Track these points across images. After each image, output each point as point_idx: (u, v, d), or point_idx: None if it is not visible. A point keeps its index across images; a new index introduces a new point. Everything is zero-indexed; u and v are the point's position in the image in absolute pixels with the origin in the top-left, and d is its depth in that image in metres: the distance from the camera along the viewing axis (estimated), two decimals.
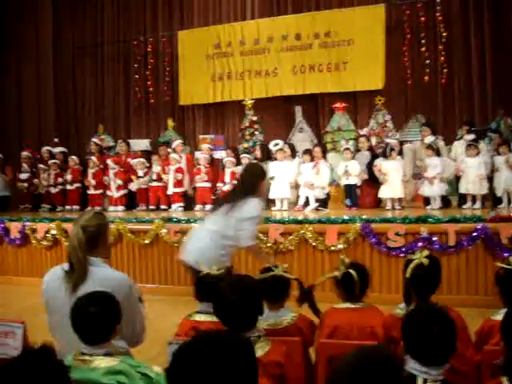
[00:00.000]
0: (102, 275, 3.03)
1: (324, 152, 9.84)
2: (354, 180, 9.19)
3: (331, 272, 3.72)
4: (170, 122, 12.70)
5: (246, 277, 3.04)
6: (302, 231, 7.20)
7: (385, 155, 9.23)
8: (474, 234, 6.65)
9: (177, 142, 10.83)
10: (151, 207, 10.42)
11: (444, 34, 11.03)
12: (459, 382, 3.01)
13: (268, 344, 2.76)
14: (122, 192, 10.81)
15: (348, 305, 3.55)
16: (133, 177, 10.75)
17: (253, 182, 5.61)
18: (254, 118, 11.39)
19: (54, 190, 11.35)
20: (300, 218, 7.63)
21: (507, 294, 3.35)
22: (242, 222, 5.39)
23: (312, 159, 9.38)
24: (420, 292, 3.42)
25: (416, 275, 3.33)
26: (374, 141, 10.36)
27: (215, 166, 10.71)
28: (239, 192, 5.65)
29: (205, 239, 5.50)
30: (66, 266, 3.08)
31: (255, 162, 9.37)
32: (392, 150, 9.09)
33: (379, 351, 1.63)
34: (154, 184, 10.49)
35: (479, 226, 6.68)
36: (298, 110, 11.72)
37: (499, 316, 3.21)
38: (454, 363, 3.25)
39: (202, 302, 3.57)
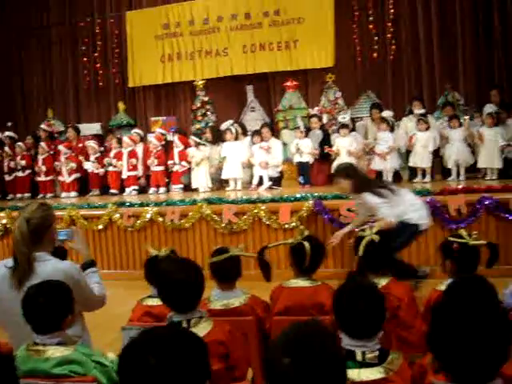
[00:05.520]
0: (49, 270, 2.95)
1: (274, 130, 9.94)
2: (307, 158, 9.25)
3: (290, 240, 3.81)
4: (121, 105, 12.53)
5: (188, 259, 3.05)
6: (255, 210, 7.24)
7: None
8: None
9: (133, 132, 10.73)
10: (112, 191, 10.31)
11: (392, 11, 11.13)
12: (407, 351, 3.09)
13: (210, 324, 2.78)
14: (75, 176, 10.65)
15: (298, 282, 3.60)
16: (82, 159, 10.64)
17: None
18: (206, 99, 11.36)
19: (8, 178, 11.11)
20: (253, 197, 7.68)
21: (460, 265, 3.43)
22: None
23: (262, 139, 9.44)
24: (373, 267, 3.50)
25: (368, 251, 3.41)
26: (325, 118, 10.45)
27: (168, 148, 10.63)
28: None
29: None
30: (9, 261, 3.00)
31: None
32: (342, 127, 9.19)
33: (312, 324, 1.65)
34: (110, 169, 10.37)
35: (428, 199, 6.83)
36: (250, 90, 11.70)
37: (444, 286, 3.32)
38: (403, 334, 3.37)
39: (152, 285, 3.58)
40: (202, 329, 2.74)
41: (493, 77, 10.58)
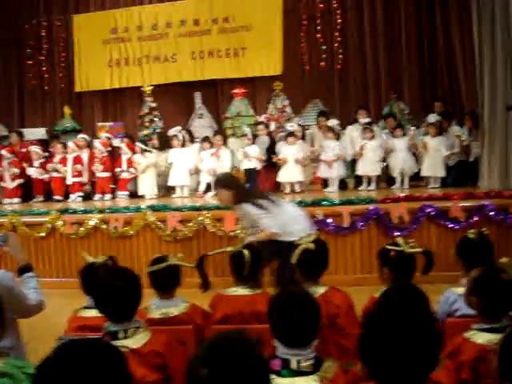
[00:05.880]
0: None
1: (224, 138, 9.90)
2: (254, 164, 9.27)
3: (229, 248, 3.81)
4: (67, 110, 12.27)
5: (125, 267, 3.01)
6: (200, 218, 7.20)
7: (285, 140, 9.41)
8: (367, 214, 6.90)
9: (79, 137, 10.55)
10: (56, 198, 10.07)
11: (339, 21, 11.30)
12: (346, 358, 3.12)
13: (148, 335, 2.74)
14: (18, 182, 10.38)
15: (237, 290, 3.60)
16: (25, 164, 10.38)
17: None
18: (153, 105, 11.28)
19: None
20: (198, 204, 7.65)
21: (397, 273, 3.48)
22: None
23: (212, 146, 9.41)
24: (308, 276, 3.52)
25: (302, 260, 3.44)
26: (273, 126, 10.50)
27: (116, 154, 10.48)
28: None
29: None
30: None
31: None
32: (290, 134, 9.24)
33: (234, 334, 1.65)
34: (55, 175, 10.15)
35: (371, 206, 6.94)
36: (198, 96, 11.68)
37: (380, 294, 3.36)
38: (342, 341, 3.40)
39: (88, 295, 3.51)
40: (139, 339, 2.70)
41: (436, 87, 10.85)
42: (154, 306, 3.49)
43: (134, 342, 2.67)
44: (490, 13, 7.90)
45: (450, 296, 3.42)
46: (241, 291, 3.60)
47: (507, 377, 1.46)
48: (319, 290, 3.42)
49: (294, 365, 2.30)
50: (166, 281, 3.49)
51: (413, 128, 9.18)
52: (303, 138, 9.68)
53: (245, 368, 1.53)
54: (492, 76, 7.95)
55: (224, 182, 5.62)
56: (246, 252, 3.58)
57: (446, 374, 2.44)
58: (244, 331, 1.67)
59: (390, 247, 3.54)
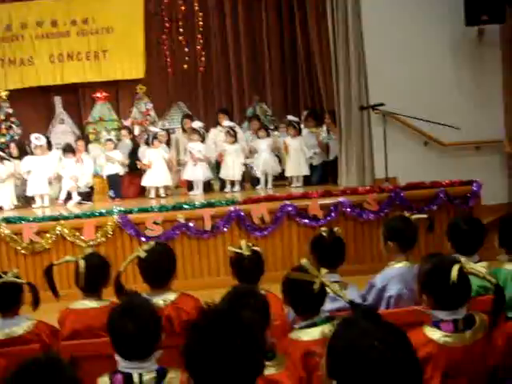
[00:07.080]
0: None
1: (87, 144, 9.64)
2: (117, 169, 9.09)
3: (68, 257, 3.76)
4: None
5: None
6: (58, 228, 6.92)
7: (148, 144, 9.30)
8: (228, 216, 6.98)
9: None
10: None
11: (201, 24, 11.34)
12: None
13: None
14: None
15: (85, 303, 3.51)
16: None
17: None
18: (10, 111, 10.74)
19: None
20: (55, 214, 7.36)
21: (240, 276, 3.54)
22: None
23: (74, 152, 9.11)
24: (155, 284, 3.47)
25: (144, 268, 3.41)
26: (137, 130, 10.37)
27: None
28: None
29: None
30: None
31: None
32: (154, 138, 9.17)
33: (44, 356, 1.61)
34: None
35: (232, 208, 7.03)
36: (58, 101, 11.28)
37: None
38: None
39: None
40: None
41: (298, 88, 11.16)
42: None
43: None
44: (343, 12, 8.20)
45: None
46: (89, 304, 3.50)
47: (334, 374, 1.50)
48: (170, 297, 3.39)
49: (136, 379, 2.29)
50: (4, 299, 3.33)
51: (276, 133, 9.40)
52: (168, 142, 9.62)
53: None
54: (347, 76, 8.27)
55: None
56: (81, 262, 3.47)
57: (287, 374, 2.50)
58: (55, 352, 1.63)
59: (231, 249, 3.58)
